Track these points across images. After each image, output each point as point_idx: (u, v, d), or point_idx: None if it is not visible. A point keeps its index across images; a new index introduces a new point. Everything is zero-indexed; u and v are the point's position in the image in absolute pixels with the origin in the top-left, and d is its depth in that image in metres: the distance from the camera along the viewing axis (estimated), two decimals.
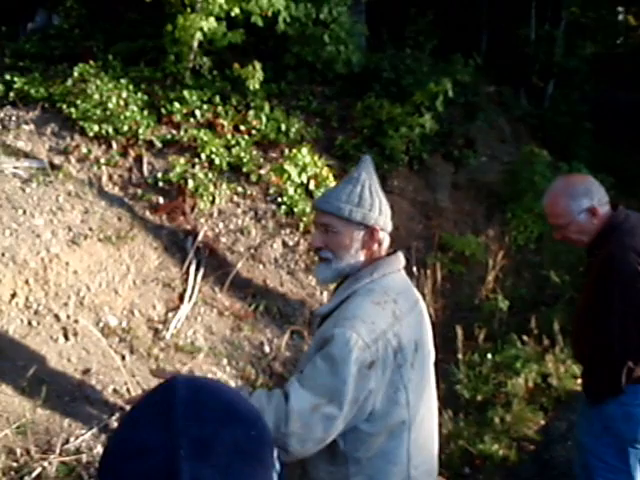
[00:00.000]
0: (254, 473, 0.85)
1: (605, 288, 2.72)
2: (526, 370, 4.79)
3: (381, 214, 2.08)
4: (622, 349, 2.66)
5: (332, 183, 6.31)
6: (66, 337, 4.58)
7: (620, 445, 2.79)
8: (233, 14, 6.36)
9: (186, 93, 6.33)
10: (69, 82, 6.01)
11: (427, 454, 2.15)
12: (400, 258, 2.14)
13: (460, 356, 5.11)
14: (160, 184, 5.88)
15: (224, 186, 6.07)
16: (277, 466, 0.91)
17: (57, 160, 5.61)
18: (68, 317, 4.66)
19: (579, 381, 4.13)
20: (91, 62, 6.23)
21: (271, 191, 6.30)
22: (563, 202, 2.77)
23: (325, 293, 5.83)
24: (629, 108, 11.36)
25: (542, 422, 4.51)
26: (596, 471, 2.87)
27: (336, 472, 2.00)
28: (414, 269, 6.06)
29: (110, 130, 5.84)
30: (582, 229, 2.77)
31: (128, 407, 2.12)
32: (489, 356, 5.10)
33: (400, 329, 1.97)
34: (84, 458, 3.93)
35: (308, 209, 6.04)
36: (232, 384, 4.92)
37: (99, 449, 4.04)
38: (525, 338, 5.25)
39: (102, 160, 5.78)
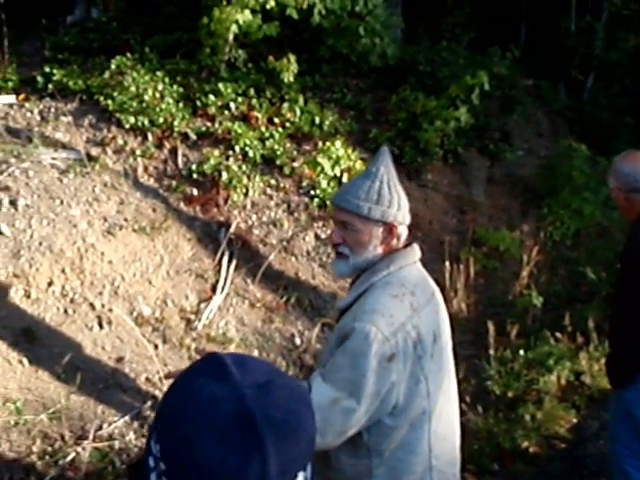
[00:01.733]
0: (309, 416, 0.92)
1: (631, 270, 2.74)
2: (559, 367, 4.72)
3: (400, 209, 2.06)
4: (635, 332, 2.64)
5: None
6: (100, 325, 4.66)
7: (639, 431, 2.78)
8: (268, 7, 6.37)
9: (221, 86, 6.37)
10: (106, 74, 6.10)
11: (448, 444, 2.15)
12: (416, 250, 2.12)
13: (492, 352, 5.06)
14: (194, 176, 5.94)
15: (257, 178, 6.10)
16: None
17: (94, 151, 5.71)
18: (103, 306, 4.74)
19: None
20: (128, 55, 6.31)
21: (304, 184, 6.31)
22: (626, 169, 2.82)
23: None
24: None
25: (574, 420, 4.45)
26: (621, 457, 2.87)
27: (359, 464, 2.01)
28: (447, 264, 6.02)
29: (146, 122, 5.91)
30: (616, 200, 2.88)
31: (167, 381, 2.18)
32: (521, 352, 5.04)
33: (419, 321, 1.98)
34: (116, 444, 4.00)
35: None
36: None
37: (131, 436, 4.11)
38: (559, 335, 5.17)
39: (138, 152, 5.85)
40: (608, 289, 6.12)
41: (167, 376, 2.21)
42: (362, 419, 1.90)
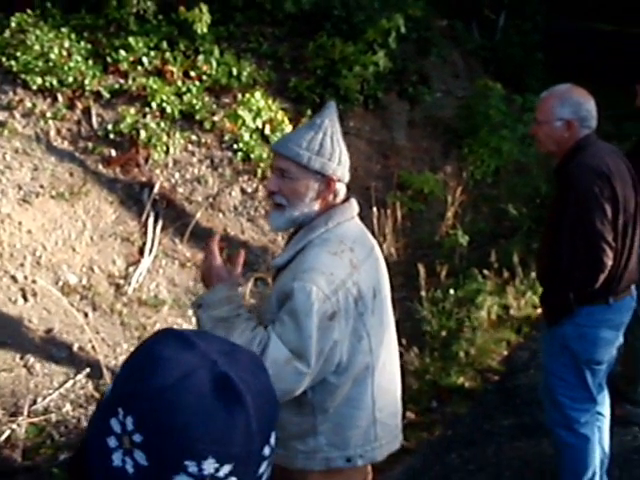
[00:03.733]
0: (270, 381, 0.93)
1: (559, 205, 2.81)
2: (488, 303, 4.88)
3: (340, 164, 2.04)
4: (570, 267, 2.72)
5: (288, 127, 6.22)
6: (25, 298, 4.49)
7: (577, 364, 2.90)
8: None
9: (132, 40, 6.09)
10: (7, 33, 5.73)
11: (391, 397, 2.18)
12: (354, 205, 2.11)
13: (423, 293, 5.17)
14: (111, 136, 5.72)
15: (177, 135, 5.93)
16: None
17: (1, 116, 5.40)
18: (25, 278, 4.56)
19: (539, 310, 4.23)
20: (29, 11, 5.93)
21: (226, 138, 6.18)
22: (552, 102, 2.85)
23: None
24: (580, 37, 11.38)
25: (505, 353, 4.63)
26: (557, 389, 2.99)
27: (303, 422, 2.02)
28: (374, 209, 6.07)
29: (54, 82, 5.61)
30: (552, 135, 2.85)
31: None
32: (451, 292, 5.17)
33: (359, 277, 1.98)
34: (53, 417, 3.92)
35: (265, 155, 5.95)
36: None
37: (68, 407, 4.02)
38: (486, 272, 5.33)
39: (48, 114, 5.57)
40: (529, 224, 6.33)
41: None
42: (308, 379, 1.90)
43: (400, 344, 4.36)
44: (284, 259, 2.03)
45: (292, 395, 1.91)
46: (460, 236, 6.06)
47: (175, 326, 4.90)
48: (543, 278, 3.06)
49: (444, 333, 4.62)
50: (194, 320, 4.97)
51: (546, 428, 3.23)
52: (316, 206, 2.02)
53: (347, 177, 2.09)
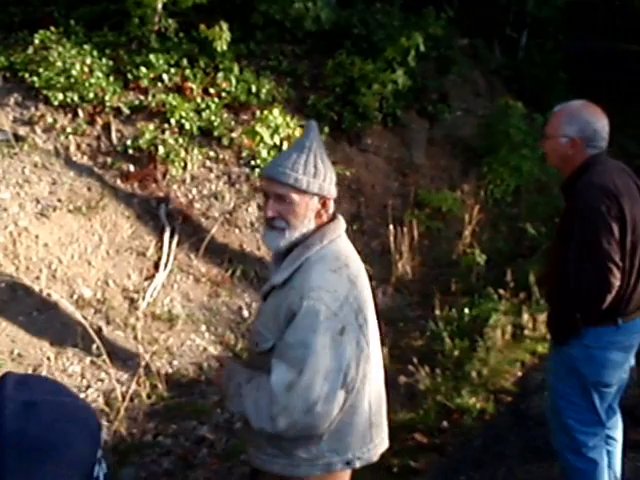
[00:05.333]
0: (78, 437, 0.92)
1: (566, 223, 2.77)
2: (502, 323, 4.82)
3: (331, 183, 2.10)
4: (577, 287, 2.67)
5: None
6: (40, 311, 4.53)
7: (584, 386, 2.84)
8: None
9: (152, 57, 6.18)
10: (30, 50, 5.85)
11: (381, 399, 2.24)
12: (342, 222, 2.17)
13: (437, 312, 5.13)
14: (130, 151, 5.78)
15: (195, 151, 5.98)
16: (103, 465, 0.99)
17: (22, 131, 5.49)
18: (41, 291, 4.61)
19: None
20: (52, 28, 6.05)
21: (244, 154, 6.22)
22: (561, 118, 2.83)
23: None
24: (603, 56, 11.30)
25: (519, 374, 4.56)
26: (564, 411, 2.92)
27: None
28: (391, 227, 6.05)
29: (75, 98, 5.71)
30: (557, 150, 2.83)
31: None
32: (466, 311, 5.12)
33: (357, 292, 2.04)
34: None
35: None
36: (212, 350, 4.92)
37: None
38: (501, 291, 5.27)
39: (69, 129, 5.66)
40: (548, 244, 6.25)
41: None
42: (329, 393, 1.93)
43: (411, 362, 4.35)
44: (283, 277, 2.05)
45: (316, 409, 1.92)
46: (477, 255, 6.02)
47: (188, 341, 4.91)
48: (550, 297, 3.01)
49: (457, 352, 4.57)
50: (207, 335, 5.00)
51: (556, 451, 3.17)
52: (312, 225, 2.07)
53: (335, 192, 2.14)
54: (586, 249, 2.64)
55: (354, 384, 2.01)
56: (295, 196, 2.01)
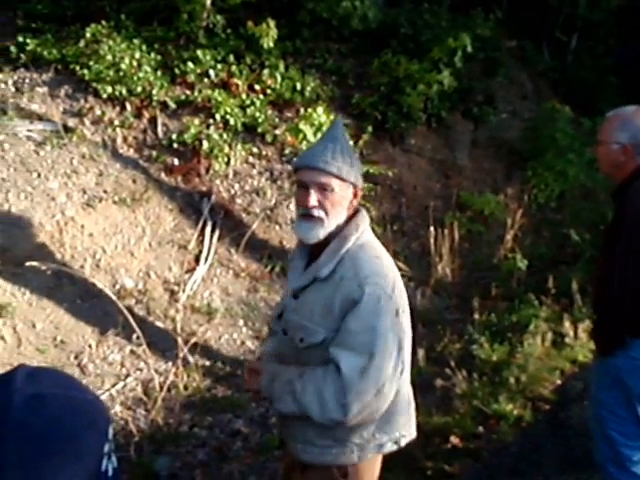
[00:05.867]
0: (84, 432, 0.91)
1: (614, 230, 2.72)
2: (543, 330, 4.75)
3: (361, 173, 2.15)
4: (621, 295, 2.62)
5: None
6: (82, 299, 4.62)
7: (629, 398, 2.78)
8: None
9: (200, 53, 6.24)
10: (82, 43, 5.95)
11: (411, 390, 2.28)
12: (366, 213, 2.20)
13: (476, 316, 5.08)
14: (175, 145, 5.86)
15: (239, 147, 6.03)
16: (113, 460, 0.98)
17: (71, 122, 5.60)
18: (84, 280, 4.69)
19: None
20: (103, 22, 6.15)
21: (286, 151, 6.24)
22: (614, 124, 2.78)
23: None
24: None
25: (558, 382, 4.48)
26: (607, 423, 2.86)
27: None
28: (431, 229, 6.01)
29: (124, 91, 5.80)
30: (608, 157, 2.79)
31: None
32: (506, 316, 5.06)
33: (396, 276, 2.11)
34: None
35: None
36: (249, 345, 4.96)
37: (117, 409, 4.11)
38: (543, 298, 5.19)
39: (116, 122, 5.75)
40: (592, 251, 6.14)
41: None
42: (392, 373, 1.98)
43: (448, 366, 4.32)
44: (329, 269, 2.05)
45: (384, 391, 1.97)
46: (519, 260, 5.94)
47: (226, 335, 4.95)
48: (595, 304, 2.95)
49: (495, 358, 4.52)
50: (244, 330, 5.04)
51: (598, 463, 3.11)
52: (345, 215, 2.10)
53: None
54: (632, 256, 2.58)
55: (404, 364, 2.06)
56: (337, 184, 2.04)
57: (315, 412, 1.98)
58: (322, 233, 2.06)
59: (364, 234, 2.10)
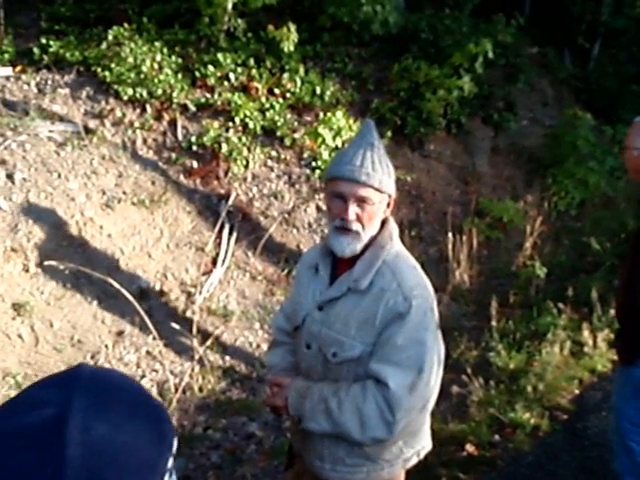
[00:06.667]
0: (145, 437, 0.83)
1: (637, 241, 2.68)
2: (561, 338, 4.69)
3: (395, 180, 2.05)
4: None
5: None
6: (100, 299, 4.64)
7: None
8: None
9: (220, 56, 6.27)
10: (104, 45, 6.01)
11: None
12: (393, 221, 2.10)
13: (494, 323, 5.03)
14: (194, 148, 5.88)
15: (258, 150, 6.04)
16: (174, 478, 0.89)
17: (92, 124, 5.64)
18: (102, 280, 4.71)
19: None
20: (126, 25, 6.20)
21: (305, 155, 6.24)
22: (636, 129, 2.76)
23: None
24: None
25: (576, 392, 4.42)
26: (628, 434, 2.82)
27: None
28: (450, 235, 5.98)
29: (144, 94, 5.83)
30: (630, 162, 2.77)
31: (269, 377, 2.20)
32: (524, 324, 5.01)
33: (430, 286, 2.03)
34: None
35: None
36: (265, 348, 4.95)
37: None
38: (561, 306, 5.14)
39: (136, 124, 5.79)
40: (612, 259, 6.07)
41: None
42: (435, 387, 1.95)
43: (464, 373, 4.28)
44: (368, 280, 1.94)
45: (428, 406, 1.97)
46: (538, 267, 5.88)
47: (242, 338, 4.95)
48: (618, 313, 2.91)
49: (512, 366, 4.47)
50: (260, 333, 5.03)
51: (615, 474, 3.06)
52: (379, 225, 1.99)
53: None
54: None
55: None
56: (377, 197, 1.91)
57: (355, 431, 1.89)
58: (359, 247, 1.95)
59: (396, 243, 2.01)
